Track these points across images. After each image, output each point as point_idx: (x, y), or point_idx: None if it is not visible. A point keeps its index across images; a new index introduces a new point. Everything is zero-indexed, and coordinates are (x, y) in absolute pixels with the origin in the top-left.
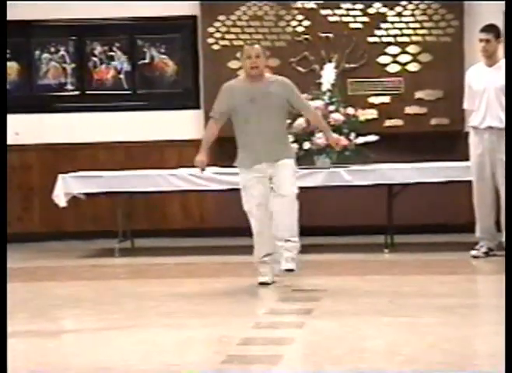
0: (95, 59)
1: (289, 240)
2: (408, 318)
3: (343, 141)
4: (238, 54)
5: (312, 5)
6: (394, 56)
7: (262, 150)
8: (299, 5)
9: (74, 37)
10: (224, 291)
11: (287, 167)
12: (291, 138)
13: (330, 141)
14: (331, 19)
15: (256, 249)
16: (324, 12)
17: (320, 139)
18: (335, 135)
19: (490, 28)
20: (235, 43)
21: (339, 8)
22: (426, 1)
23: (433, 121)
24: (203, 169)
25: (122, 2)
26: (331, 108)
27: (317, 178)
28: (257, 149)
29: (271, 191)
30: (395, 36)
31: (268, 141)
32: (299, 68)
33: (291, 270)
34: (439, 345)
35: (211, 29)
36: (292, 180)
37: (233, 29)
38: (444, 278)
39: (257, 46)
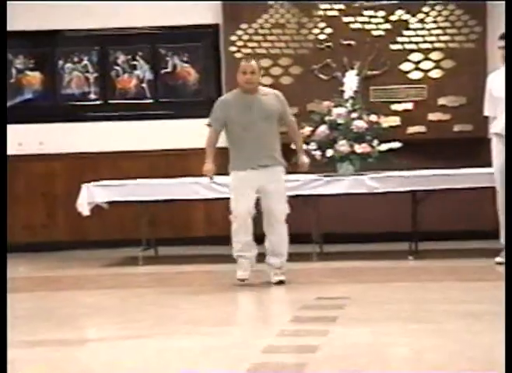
0: (117, 68)
1: (279, 268)
2: (433, 324)
3: (307, 164)
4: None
5: (334, 12)
6: (417, 63)
7: (256, 155)
8: (321, 12)
9: (97, 47)
10: (248, 298)
11: (279, 180)
12: (314, 146)
13: (299, 162)
14: (353, 26)
15: (236, 249)
16: (346, 19)
17: (343, 146)
18: (305, 159)
19: None
20: (257, 51)
21: (361, 15)
22: (448, 8)
23: (456, 128)
24: (211, 178)
25: (144, 11)
26: (354, 115)
27: (341, 185)
28: (252, 154)
29: (262, 209)
30: (418, 42)
31: (262, 147)
32: (322, 76)
33: (282, 282)
34: (465, 352)
35: (233, 38)
36: (284, 199)
37: (255, 38)
38: (470, 285)
39: (253, 62)
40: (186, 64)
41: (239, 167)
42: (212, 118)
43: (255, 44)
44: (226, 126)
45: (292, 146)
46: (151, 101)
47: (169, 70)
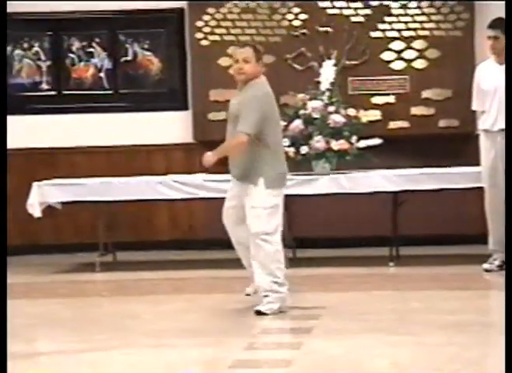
0: (72, 56)
1: (266, 295)
2: (414, 337)
3: (211, 158)
4: (229, 50)
5: None
6: (399, 52)
7: (234, 166)
8: None
9: (49, 32)
10: (215, 308)
11: (250, 199)
12: (287, 142)
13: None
14: (330, 11)
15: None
16: (322, 4)
17: (319, 143)
18: (210, 153)
19: (498, 23)
20: (226, 38)
21: None
22: None
23: (442, 123)
24: (206, 169)
25: None
26: (331, 109)
27: (316, 185)
28: (232, 163)
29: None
30: (400, 30)
31: (237, 159)
32: (296, 66)
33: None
34: (448, 366)
35: (199, 23)
36: (255, 220)
37: (223, 23)
38: (454, 294)
39: (246, 48)
40: (148, 52)
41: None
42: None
43: (223, 31)
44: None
45: None
46: (109, 92)
47: (129, 58)
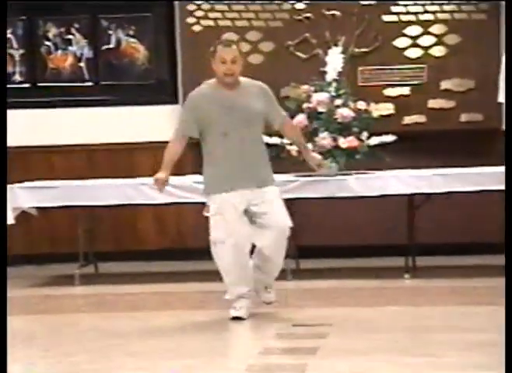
0: (48, 43)
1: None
2: (431, 358)
3: (326, 163)
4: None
5: None
6: (415, 38)
7: (244, 172)
8: None
9: (23, 17)
10: (208, 326)
11: (276, 195)
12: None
13: (311, 162)
14: None
15: (232, 285)
16: None
17: (325, 140)
18: (318, 156)
19: None
20: (220, 23)
21: None
22: None
23: (463, 117)
24: (161, 190)
25: None
26: (338, 102)
27: (321, 188)
28: (237, 171)
29: (253, 223)
30: (416, 13)
31: (251, 162)
32: (299, 54)
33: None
34: None
35: (191, 7)
36: (286, 211)
37: (217, 7)
38: (477, 309)
39: (233, 47)
40: (133, 39)
41: (219, 190)
42: (182, 122)
43: (218, 15)
44: (200, 132)
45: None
46: (90, 84)
47: (112, 46)
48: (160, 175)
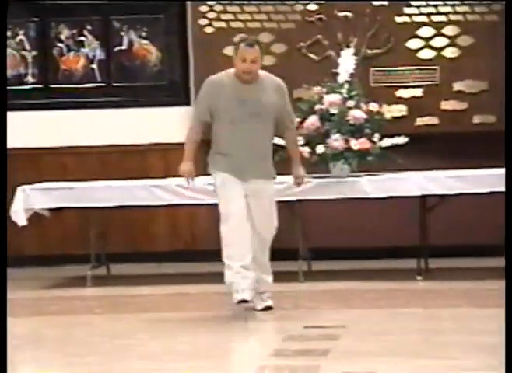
0: (61, 45)
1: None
2: (445, 360)
3: (306, 180)
4: (237, 39)
5: None
6: (428, 39)
7: (245, 162)
8: None
9: (35, 18)
10: (220, 327)
11: (270, 193)
12: (301, 140)
13: (293, 174)
14: None
15: (229, 258)
16: None
17: (337, 141)
18: (301, 172)
19: None
20: (232, 24)
21: None
22: None
23: (476, 119)
24: (189, 182)
25: None
26: (350, 103)
27: (334, 189)
28: (241, 159)
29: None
30: (429, 14)
31: (254, 154)
32: (311, 55)
33: (270, 308)
34: None
35: (203, 8)
36: (275, 215)
37: (229, 8)
38: (488, 311)
39: (256, 48)
40: (145, 41)
41: (221, 168)
42: (195, 107)
43: (230, 17)
44: (211, 117)
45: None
46: (102, 85)
47: (124, 47)
48: (184, 166)
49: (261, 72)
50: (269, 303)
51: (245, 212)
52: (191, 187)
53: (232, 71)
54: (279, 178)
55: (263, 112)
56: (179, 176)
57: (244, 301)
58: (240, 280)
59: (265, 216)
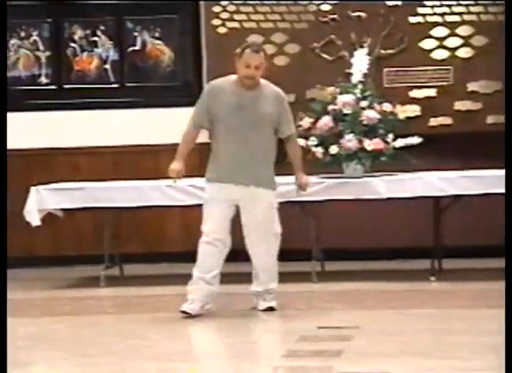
0: (74, 46)
1: (267, 290)
2: (457, 361)
3: (311, 184)
4: (249, 39)
5: None
6: (442, 39)
7: (240, 169)
8: None
9: (49, 19)
10: (233, 328)
11: (267, 201)
12: (315, 141)
13: (298, 183)
14: None
15: (196, 266)
16: None
17: (350, 142)
18: (305, 177)
19: None
20: (246, 25)
21: None
22: None
23: (490, 119)
24: (175, 181)
25: None
26: (364, 104)
27: (347, 189)
28: (236, 166)
29: (245, 227)
30: (443, 14)
31: (249, 162)
32: (324, 55)
33: (272, 309)
34: None
35: (216, 9)
36: (275, 224)
37: (243, 9)
38: (501, 312)
39: (261, 54)
40: (158, 41)
41: (214, 178)
42: (194, 111)
43: (243, 17)
44: (211, 121)
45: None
46: (115, 86)
47: (137, 48)
48: (174, 166)
49: (263, 81)
50: (272, 304)
51: (224, 231)
52: (176, 186)
53: (234, 77)
54: (291, 178)
55: (260, 121)
56: (193, 176)
57: (186, 313)
58: (195, 290)
59: (256, 231)
